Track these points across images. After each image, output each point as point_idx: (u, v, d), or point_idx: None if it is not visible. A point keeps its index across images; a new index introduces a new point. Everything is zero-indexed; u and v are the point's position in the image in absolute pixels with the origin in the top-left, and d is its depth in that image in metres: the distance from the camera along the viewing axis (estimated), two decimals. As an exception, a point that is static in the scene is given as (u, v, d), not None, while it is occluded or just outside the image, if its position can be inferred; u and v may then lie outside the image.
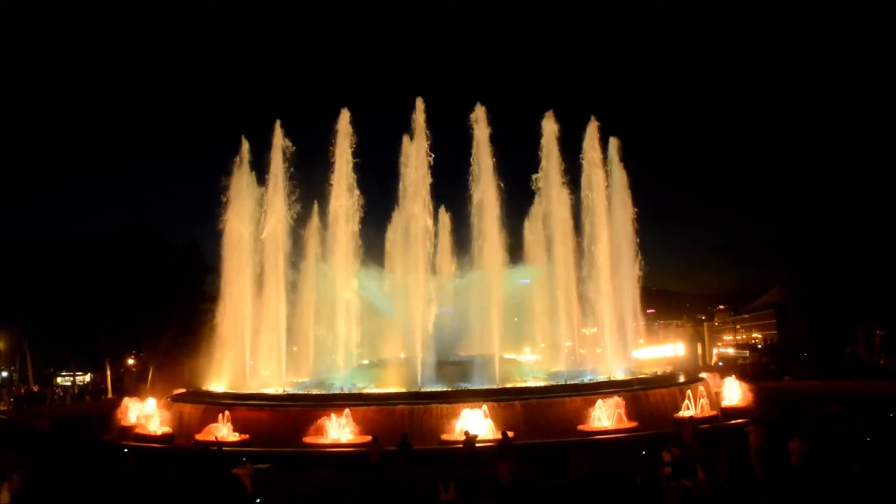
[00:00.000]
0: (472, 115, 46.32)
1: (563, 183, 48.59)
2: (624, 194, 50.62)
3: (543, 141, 48.54)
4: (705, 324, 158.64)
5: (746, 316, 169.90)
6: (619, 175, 50.65)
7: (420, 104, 46.26)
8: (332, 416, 32.43)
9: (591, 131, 49.81)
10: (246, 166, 49.18)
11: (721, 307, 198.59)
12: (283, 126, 49.22)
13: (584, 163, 49.61)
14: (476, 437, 28.07)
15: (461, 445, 27.09)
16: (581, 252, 48.83)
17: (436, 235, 47.42)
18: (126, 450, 32.64)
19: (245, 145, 49.41)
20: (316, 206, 49.16)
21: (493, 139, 46.37)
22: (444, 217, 50.27)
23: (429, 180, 45.60)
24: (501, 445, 25.69)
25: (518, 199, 49.58)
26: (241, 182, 48.82)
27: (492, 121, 46.46)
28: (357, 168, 47.12)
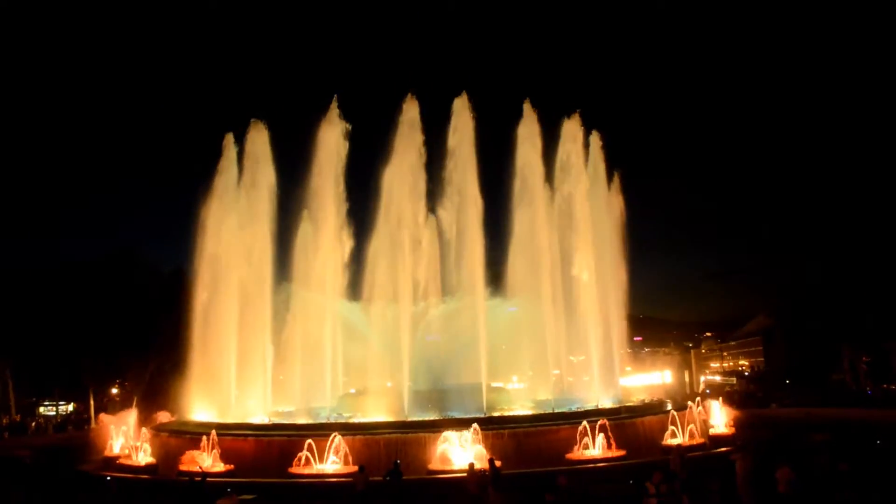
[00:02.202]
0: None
1: (550, 209, 48.99)
2: (612, 221, 50.96)
3: (520, 165, 49.01)
4: (692, 351, 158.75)
5: (733, 343, 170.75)
6: (608, 202, 51.03)
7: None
8: (318, 446, 32.15)
9: (580, 158, 50.32)
10: (230, 181, 49.24)
11: (708, 334, 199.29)
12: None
13: (572, 189, 50.01)
14: (481, 470, 27.69)
15: (466, 475, 26.79)
16: (568, 280, 49.03)
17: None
18: (109, 480, 32.19)
19: (230, 154, 49.46)
20: (300, 230, 49.18)
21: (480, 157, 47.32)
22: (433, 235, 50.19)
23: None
24: (490, 474, 25.57)
25: (502, 229, 49.71)
26: (226, 198, 48.86)
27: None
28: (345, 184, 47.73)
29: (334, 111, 48.64)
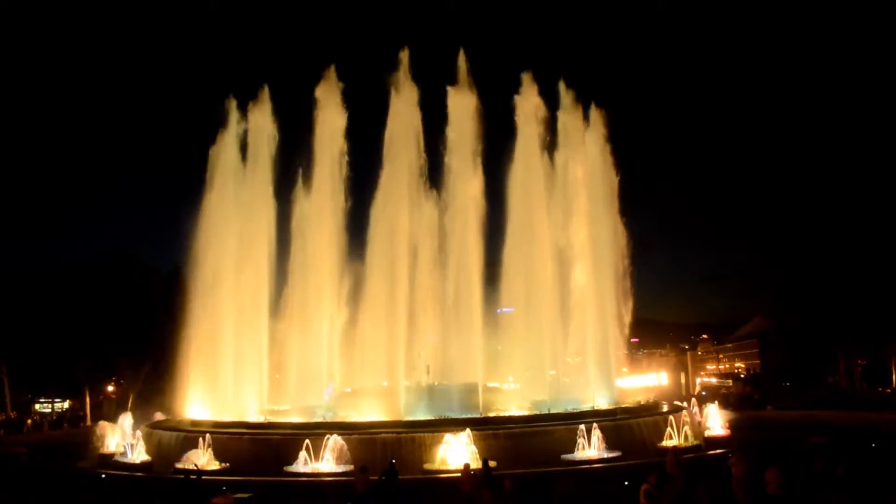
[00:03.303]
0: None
1: (548, 207, 49.04)
2: (611, 221, 51.02)
3: (518, 159, 49.06)
4: (689, 353, 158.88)
5: (730, 345, 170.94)
6: (607, 201, 51.08)
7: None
8: (314, 444, 32.13)
9: (580, 155, 50.39)
10: (227, 177, 49.22)
11: (704, 336, 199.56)
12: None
13: (570, 186, 50.13)
14: (475, 470, 27.67)
15: (460, 475, 26.74)
16: (565, 280, 49.04)
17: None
18: (104, 478, 32.16)
19: (227, 151, 49.45)
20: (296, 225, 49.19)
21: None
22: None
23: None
24: (483, 474, 25.54)
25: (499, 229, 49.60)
26: (222, 194, 48.89)
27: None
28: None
29: (336, 101, 48.79)
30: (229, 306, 47.18)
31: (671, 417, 37.76)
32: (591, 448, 33.36)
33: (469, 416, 38.13)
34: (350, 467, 30.22)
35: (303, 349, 47.30)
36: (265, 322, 47.36)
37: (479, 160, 47.55)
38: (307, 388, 46.23)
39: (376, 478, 26.42)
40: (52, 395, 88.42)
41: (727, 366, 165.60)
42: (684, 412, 39.92)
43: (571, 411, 40.40)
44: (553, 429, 35.24)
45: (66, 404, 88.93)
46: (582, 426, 33.90)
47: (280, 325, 48.15)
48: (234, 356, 46.33)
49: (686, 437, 36.98)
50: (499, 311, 50.21)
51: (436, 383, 45.14)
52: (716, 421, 41.53)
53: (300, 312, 47.98)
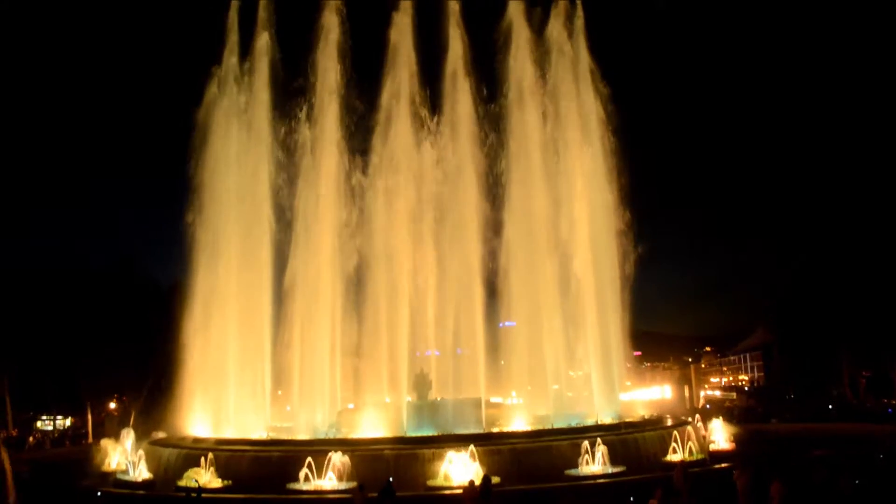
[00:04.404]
0: None
1: (548, 214, 49.13)
2: (616, 229, 51.09)
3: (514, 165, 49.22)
4: (692, 366, 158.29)
5: (733, 357, 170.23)
6: (609, 214, 51.15)
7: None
8: (316, 462, 31.99)
9: (583, 161, 50.63)
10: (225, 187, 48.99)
11: (708, 349, 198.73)
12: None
13: (572, 192, 50.30)
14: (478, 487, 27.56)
15: (461, 492, 26.61)
16: (568, 294, 48.95)
17: None
18: (99, 495, 32.05)
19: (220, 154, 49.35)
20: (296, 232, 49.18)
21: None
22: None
23: None
24: (481, 490, 25.48)
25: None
26: (222, 202, 48.67)
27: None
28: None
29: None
30: (231, 322, 47.05)
31: (675, 432, 37.57)
32: (595, 463, 33.16)
33: (472, 431, 37.99)
34: (353, 484, 30.12)
35: (305, 366, 47.12)
36: (268, 338, 47.22)
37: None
38: (310, 405, 46.06)
39: (375, 495, 26.34)
40: (53, 412, 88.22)
41: (731, 378, 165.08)
42: (689, 426, 39.73)
43: (575, 426, 40.28)
44: (557, 444, 35.02)
45: (68, 421, 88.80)
46: (586, 441, 33.74)
47: (282, 341, 47.95)
48: (237, 373, 46.21)
49: (691, 452, 36.80)
50: (501, 325, 50.10)
51: (438, 399, 45.00)
52: (720, 435, 41.35)
53: (302, 328, 47.84)
